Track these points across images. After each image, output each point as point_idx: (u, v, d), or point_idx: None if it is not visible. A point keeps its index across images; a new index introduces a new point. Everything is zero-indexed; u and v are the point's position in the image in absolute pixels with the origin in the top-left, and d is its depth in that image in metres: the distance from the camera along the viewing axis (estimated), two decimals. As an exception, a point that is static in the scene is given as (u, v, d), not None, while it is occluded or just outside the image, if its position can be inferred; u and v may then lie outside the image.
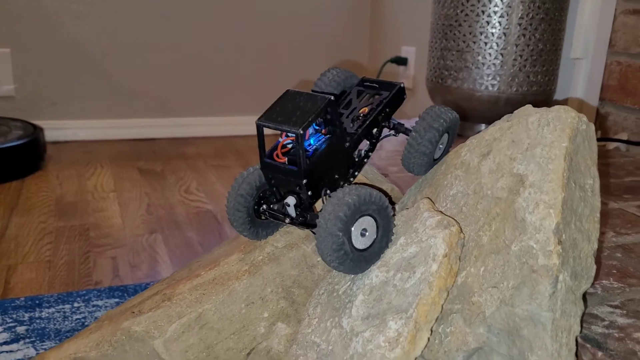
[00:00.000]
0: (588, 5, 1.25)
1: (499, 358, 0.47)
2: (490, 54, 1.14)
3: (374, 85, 0.63)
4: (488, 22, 1.13)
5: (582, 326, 0.47)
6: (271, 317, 0.59)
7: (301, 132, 0.50)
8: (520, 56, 1.13)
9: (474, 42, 1.15)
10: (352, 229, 0.50)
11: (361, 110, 0.60)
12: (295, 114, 0.52)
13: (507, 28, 1.12)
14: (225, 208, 0.61)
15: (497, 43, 1.13)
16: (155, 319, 0.57)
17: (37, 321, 0.91)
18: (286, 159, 0.54)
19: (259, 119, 0.53)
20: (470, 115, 1.23)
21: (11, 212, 1.37)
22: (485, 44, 1.14)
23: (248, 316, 0.59)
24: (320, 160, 0.54)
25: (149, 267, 1.14)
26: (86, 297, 0.99)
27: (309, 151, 0.54)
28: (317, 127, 0.56)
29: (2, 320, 0.91)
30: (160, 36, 2.02)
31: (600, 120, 1.30)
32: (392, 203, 0.56)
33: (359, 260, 0.52)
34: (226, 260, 0.62)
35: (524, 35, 1.12)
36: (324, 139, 0.55)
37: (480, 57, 1.15)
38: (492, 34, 1.13)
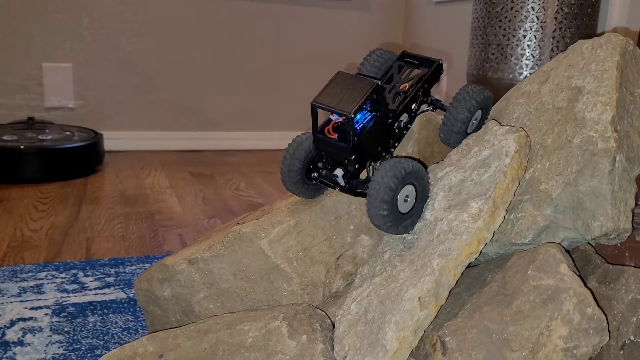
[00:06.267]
0: (617, 4, 1.36)
1: (565, 232, 0.55)
2: (529, 45, 1.24)
3: (414, 61, 0.68)
4: (526, 17, 1.23)
5: (636, 202, 0.56)
6: (356, 230, 0.68)
7: (352, 115, 0.57)
8: (557, 47, 1.23)
9: (514, 36, 1.25)
10: (398, 196, 0.57)
11: (402, 87, 0.66)
12: (345, 96, 0.58)
13: (544, 22, 1.22)
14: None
15: (535, 36, 1.23)
16: (260, 224, 0.66)
17: (122, 274, 1.00)
18: (336, 135, 0.60)
19: (314, 100, 0.60)
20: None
21: (81, 201, 1.48)
22: (524, 36, 1.24)
23: (337, 227, 0.67)
24: (366, 137, 0.60)
25: (214, 241, 1.23)
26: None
27: (356, 129, 0.59)
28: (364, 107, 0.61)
29: (92, 273, 1.00)
30: (206, 56, 2.16)
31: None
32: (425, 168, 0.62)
33: (403, 223, 0.59)
34: (315, 183, 0.72)
35: (559, 28, 1.22)
36: (369, 117, 0.61)
37: (519, 49, 1.25)
38: (530, 27, 1.23)
